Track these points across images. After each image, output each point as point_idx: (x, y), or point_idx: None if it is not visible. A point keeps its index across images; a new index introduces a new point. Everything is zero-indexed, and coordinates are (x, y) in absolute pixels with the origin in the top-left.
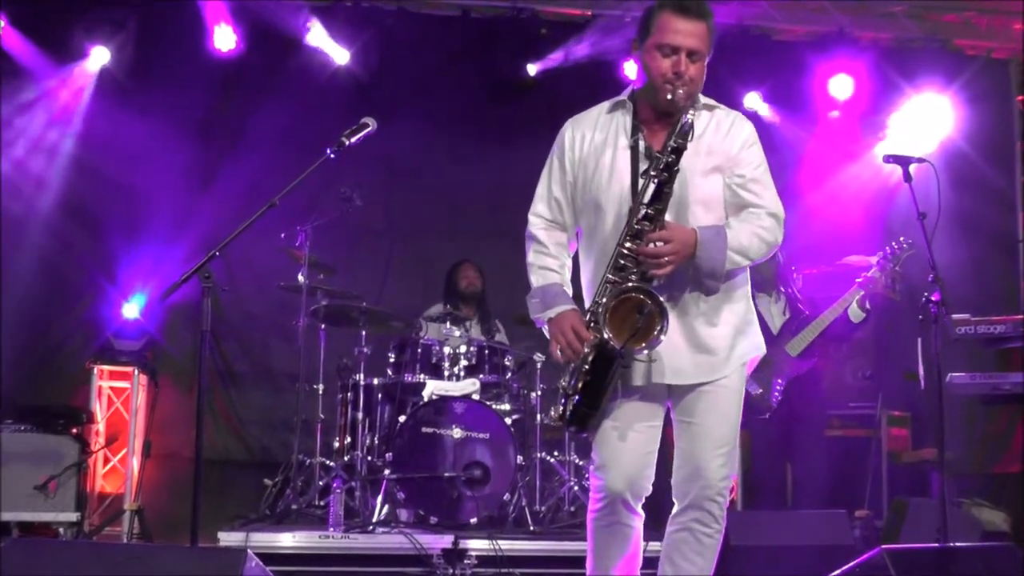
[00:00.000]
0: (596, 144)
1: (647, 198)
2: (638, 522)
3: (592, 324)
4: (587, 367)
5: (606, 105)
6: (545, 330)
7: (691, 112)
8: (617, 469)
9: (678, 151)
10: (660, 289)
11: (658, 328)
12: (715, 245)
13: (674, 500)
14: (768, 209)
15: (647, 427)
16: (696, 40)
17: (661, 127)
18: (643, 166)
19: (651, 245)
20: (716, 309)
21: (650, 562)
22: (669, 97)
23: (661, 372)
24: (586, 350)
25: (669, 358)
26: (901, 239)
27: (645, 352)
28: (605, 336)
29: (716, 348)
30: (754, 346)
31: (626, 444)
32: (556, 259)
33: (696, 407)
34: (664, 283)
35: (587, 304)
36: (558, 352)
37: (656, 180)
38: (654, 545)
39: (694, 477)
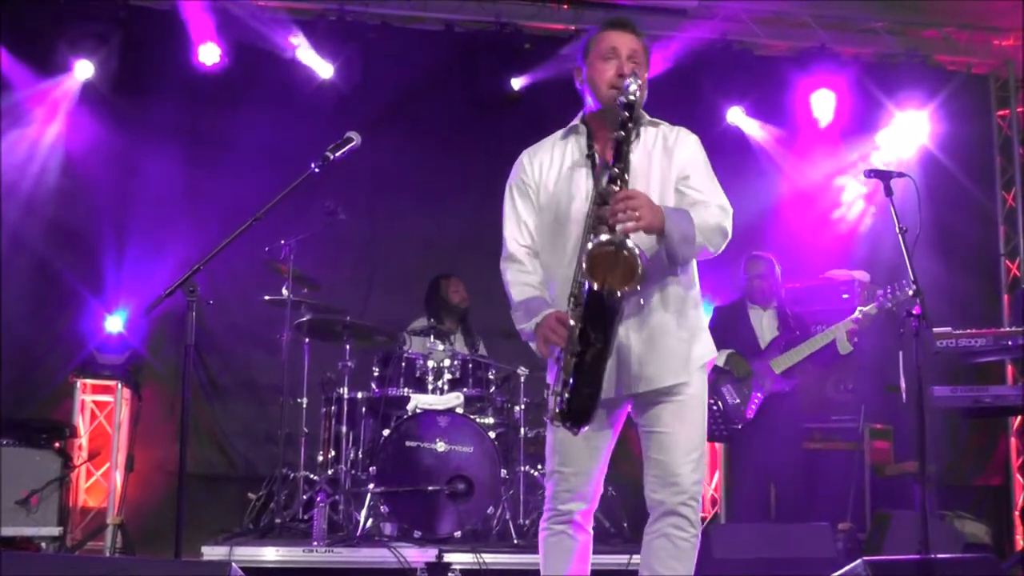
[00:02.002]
0: (554, 165)
1: (611, 158)
2: (586, 537)
3: (573, 304)
4: (577, 344)
5: (559, 133)
6: (533, 346)
7: (636, 77)
8: (564, 481)
9: (630, 106)
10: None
11: (638, 267)
12: (681, 215)
13: (648, 510)
14: (716, 202)
15: (598, 438)
16: (634, 45)
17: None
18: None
19: (620, 204)
20: (673, 318)
21: (631, 574)
22: (619, 98)
23: (626, 384)
24: (572, 323)
25: (631, 368)
26: (904, 282)
27: (632, 290)
28: (588, 284)
29: (675, 353)
30: (709, 350)
31: (575, 454)
32: (535, 275)
33: (662, 416)
34: (631, 305)
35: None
36: (544, 346)
37: (615, 140)
38: (635, 558)
39: (667, 484)
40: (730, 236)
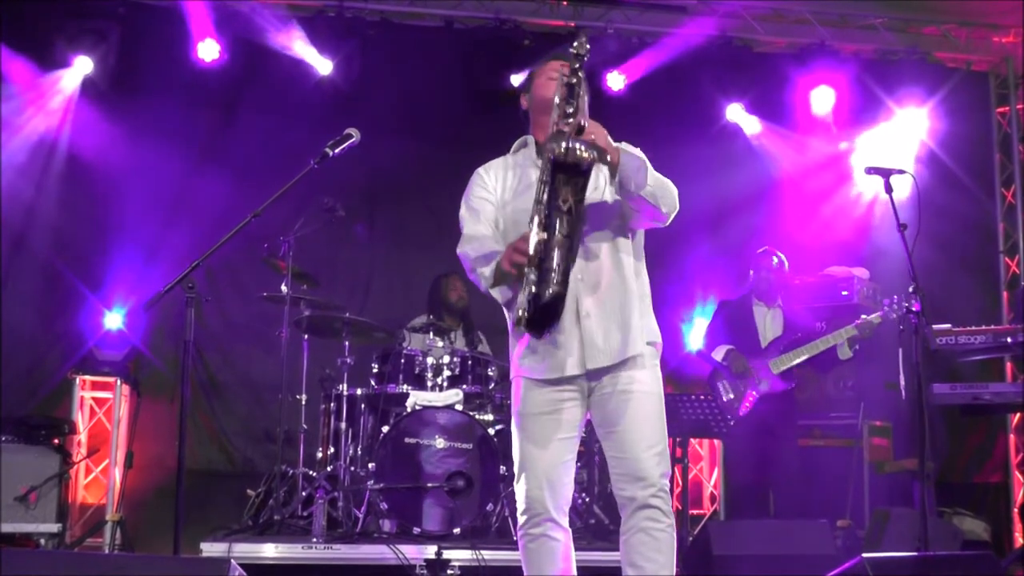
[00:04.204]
0: (510, 177)
1: (560, 98)
2: (566, 535)
3: (538, 224)
4: (539, 232)
5: (508, 153)
6: (496, 295)
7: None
8: (535, 479)
9: (579, 57)
10: (582, 274)
11: (594, 152)
12: (631, 152)
13: (620, 511)
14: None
15: (564, 437)
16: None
17: None
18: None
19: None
20: (628, 291)
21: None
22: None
23: (592, 357)
24: (536, 219)
25: (596, 341)
26: (910, 295)
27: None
28: (551, 158)
29: (634, 325)
30: (656, 331)
31: (543, 453)
32: (489, 234)
33: (619, 415)
34: (586, 278)
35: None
36: (508, 263)
37: (566, 83)
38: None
39: (635, 480)
40: (677, 209)
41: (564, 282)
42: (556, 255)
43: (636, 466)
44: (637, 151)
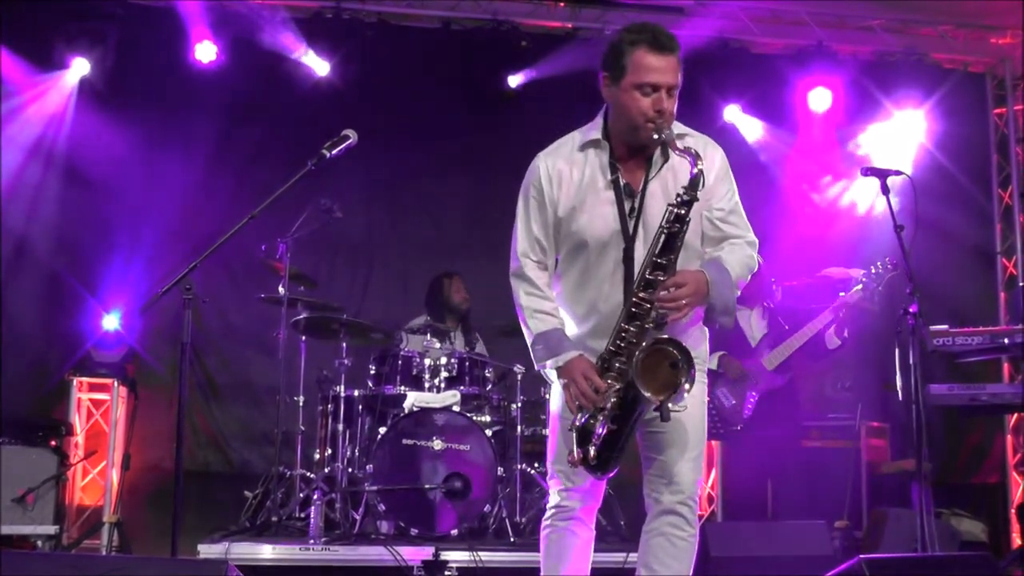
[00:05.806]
0: (575, 183)
1: (658, 249)
2: (588, 534)
3: (604, 369)
4: (613, 415)
5: (576, 140)
6: (547, 374)
7: (699, 163)
8: (566, 479)
9: (688, 203)
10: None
11: (684, 379)
12: (723, 282)
13: (646, 509)
14: (747, 238)
15: None
16: (673, 75)
17: (636, 163)
18: (626, 204)
19: (666, 292)
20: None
21: (628, 573)
22: (655, 136)
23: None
24: (612, 399)
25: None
26: (886, 259)
27: (680, 404)
28: (644, 393)
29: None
30: (707, 349)
31: None
32: (551, 301)
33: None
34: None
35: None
36: (574, 403)
37: (667, 231)
38: (631, 556)
39: (667, 484)
40: (756, 268)
41: (624, 448)
42: (618, 433)
43: (671, 470)
44: (729, 267)
